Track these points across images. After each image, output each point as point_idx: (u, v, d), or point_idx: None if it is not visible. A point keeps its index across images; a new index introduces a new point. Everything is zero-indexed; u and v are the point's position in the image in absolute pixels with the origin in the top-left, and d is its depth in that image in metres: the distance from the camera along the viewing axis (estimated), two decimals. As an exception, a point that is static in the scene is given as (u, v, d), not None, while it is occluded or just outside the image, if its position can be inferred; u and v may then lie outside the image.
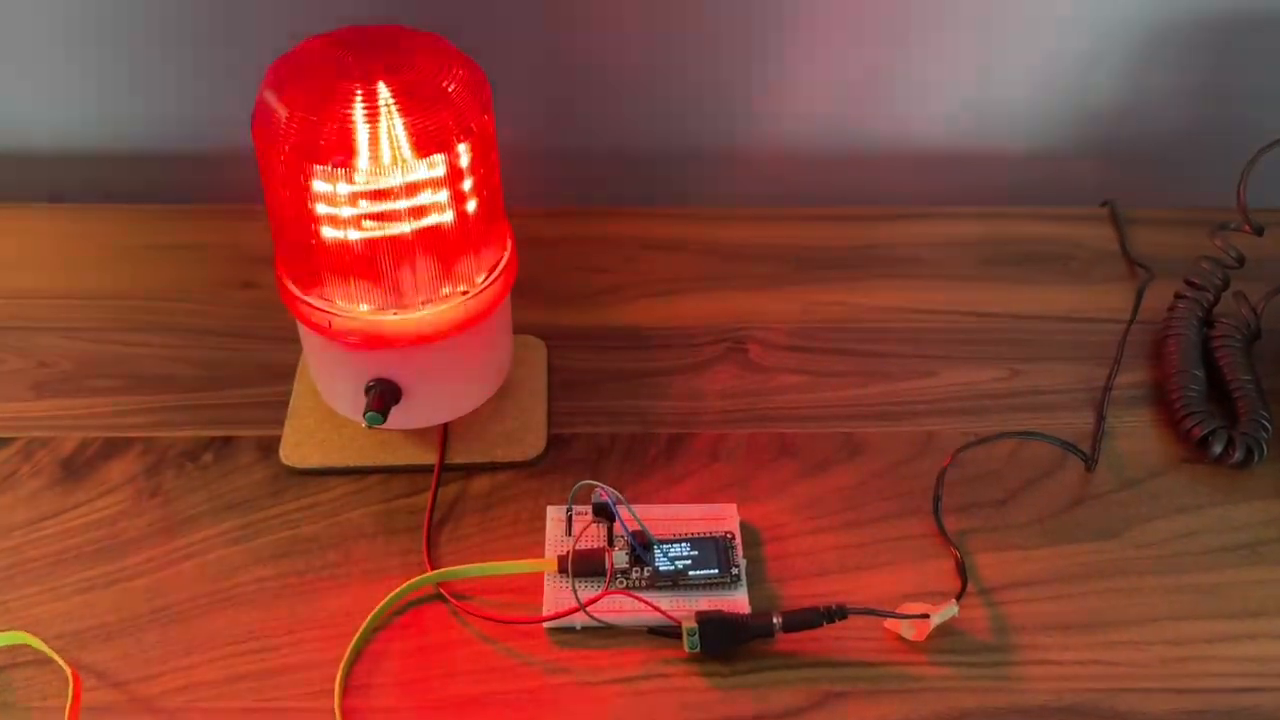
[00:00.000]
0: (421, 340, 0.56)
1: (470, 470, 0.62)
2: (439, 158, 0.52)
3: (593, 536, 0.58)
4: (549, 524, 0.59)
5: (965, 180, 0.84)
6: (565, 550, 0.57)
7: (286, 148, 0.51)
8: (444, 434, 0.63)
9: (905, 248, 0.77)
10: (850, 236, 0.78)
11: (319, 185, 0.52)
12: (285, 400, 0.65)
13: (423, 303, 0.56)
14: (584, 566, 0.56)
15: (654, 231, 0.78)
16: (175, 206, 0.79)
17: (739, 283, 0.74)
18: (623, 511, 0.57)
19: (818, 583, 0.58)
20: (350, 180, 0.51)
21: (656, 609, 0.54)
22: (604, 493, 0.57)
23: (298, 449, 0.62)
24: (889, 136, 0.83)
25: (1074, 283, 0.75)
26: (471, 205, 0.55)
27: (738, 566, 0.56)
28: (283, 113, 0.51)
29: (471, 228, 0.55)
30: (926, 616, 0.54)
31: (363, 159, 0.51)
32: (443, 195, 0.54)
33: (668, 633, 0.54)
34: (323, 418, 0.63)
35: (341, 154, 0.51)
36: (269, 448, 0.63)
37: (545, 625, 0.55)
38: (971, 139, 0.83)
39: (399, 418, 0.59)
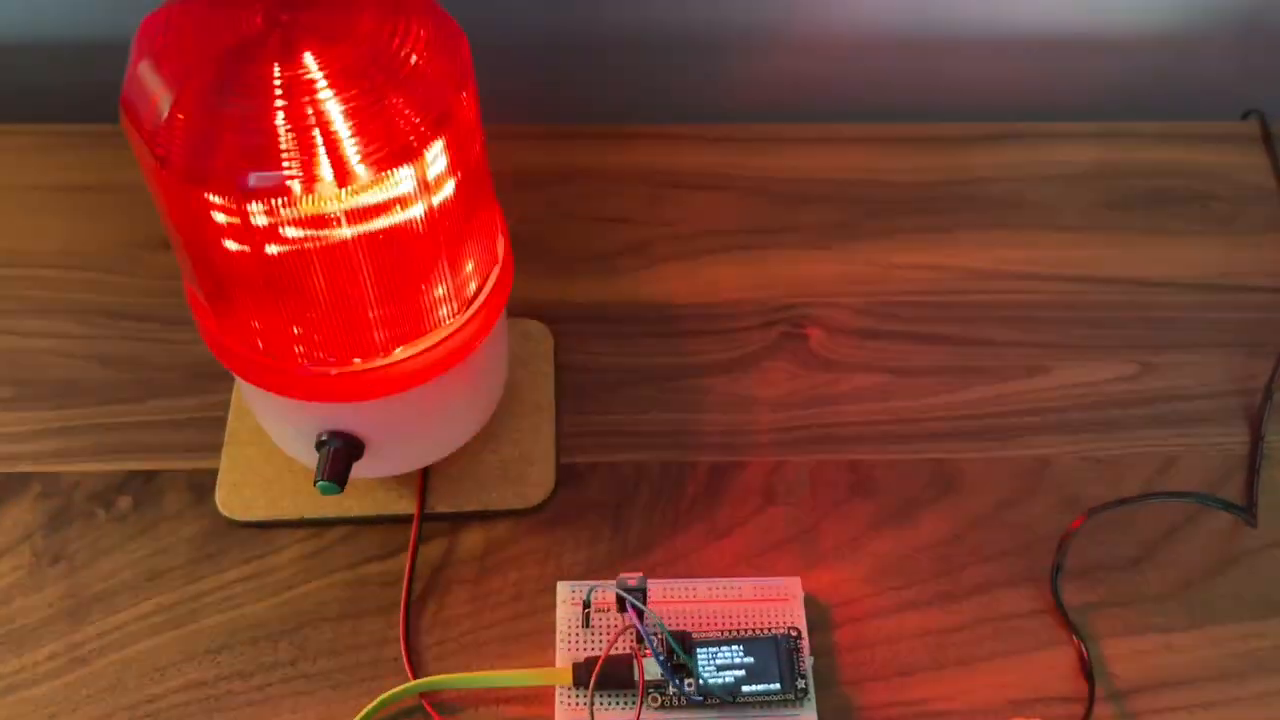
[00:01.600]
0: (387, 391, 0.42)
1: (458, 521, 0.49)
2: (404, 171, 0.36)
3: (616, 628, 0.45)
4: (560, 608, 0.46)
5: (1075, 82, 0.67)
6: (581, 655, 0.44)
7: (167, 167, 0.35)
8: (423, 478, 0.49)
9: (1003, 183, 0.61)
10: (933, 167, 0.62)
11: (220, 216, 0.36)
12: (223, 416, 0.51)
13: (385, 345, 0.41)
14: (607, 678, 0.43)
15: (684, 161, 0.62)
16: (66, 127, 0.62)
17: (794, 237, 0.59)
18: (653, 602, 0.44)
19: (904, 685, 0.45)
20: (271, 214, 0.36)
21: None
22: (630, 578, 0.44)
23: (238, 492, 0.49)
24: (979, 21, 0.65)
25: (1217, 232, 0.59)
26: (445, 199, 0.39)
27: (804, 677, 0.44)
28: (163, 110, 0.35)
29: (444, 233, 0.40)
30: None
31: (289, 180, 0.35)
32: (413, 212, 0.38)
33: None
34: (271, 448, 0.49)
35: (251, 179, 0.35)
36: (203, 487, 0.49)
37: (559, 753, 0.43)
38: (1083, 21, 0.65)
39: (365, 466, 0.45)
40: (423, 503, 0.48)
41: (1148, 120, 0.64)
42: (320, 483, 0.43)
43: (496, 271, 0.44)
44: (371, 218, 0.37)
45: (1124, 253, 0.58)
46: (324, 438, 0.43)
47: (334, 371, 0.41)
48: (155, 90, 0.35)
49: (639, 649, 0.43)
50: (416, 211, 0.38)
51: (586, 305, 0.56)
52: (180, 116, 0.35)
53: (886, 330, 0.55)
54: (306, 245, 0.37)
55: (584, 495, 0.50)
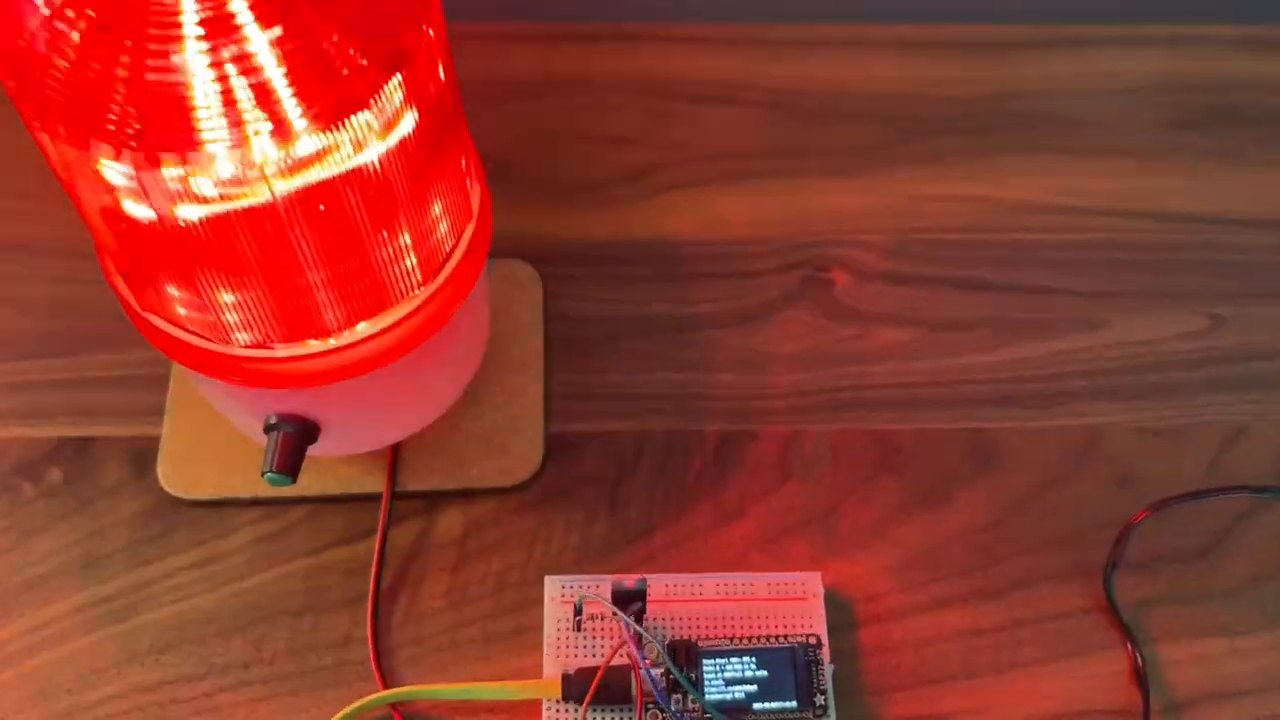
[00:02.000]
0: (344, 375, 0.36)
1: (433, 500, 0.43)
2: (360, 118, 0.29)
3: (613, 633, 0.40)
4: (548, 607, 0.40)
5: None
6: (573, 663, 0.39)
7: (52, 114, 0.28)
8: (393, 453, 0.43)
9: (1054, 98, 0.53)
10: (976, 79, 0.54)
11: (116, 177, 0.29)
12: (165, 374, 0.45)
13: (340, 323, 0.35)
14: (600, 691, 0.38)
15: (689, 67, 0.54)
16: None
17: (818, 162, 0.51)
18: (654, 602, 0.39)
19: (936, 696, 0.40)
20: (186, 181, 0.29)
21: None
22: (628, 580, 0.39)
23: (184, 465, 0.43)
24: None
25: (1299, 160, 0.52)
26: (402, 139, 0.32)
27: (824, 693, 0.39)
28: (40, 40, 0.28)
29: (402, 185, 0.33)
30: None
31: (210, 145, 0.28)
32: (363, 159, 0.31)
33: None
34: (219, 414, 0.43)
35: (163, 136, 0.28)
36: (145, 458, 0.43)
37: (546, 773, 0.38)
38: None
39: (323, 446, 0.39)
40: (393, 480, 0.43)
41: (1223, 23, 0.56)
42: (268, 474, 0.37)
43: (471, 228, 0.37)
44: (307, 171, 0.30)
45: (1194, 183, 0.51)
46: (272, 421, 0.37)
47: (281, 353, 0.35)
48: (31, 27, 0.28)
49: (637, 657, 0.38)
50: (367, 158, 0.31)
51: (578, 243, 0.49)
52: (63, 63, 0.27)
53: (920, 275, 0.49)
54: (229, 210, 0.30)
55: (577, 470, 0.44)
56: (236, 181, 0.29)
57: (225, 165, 0.29)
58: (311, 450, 0.38)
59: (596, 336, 0.47)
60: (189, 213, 0.30)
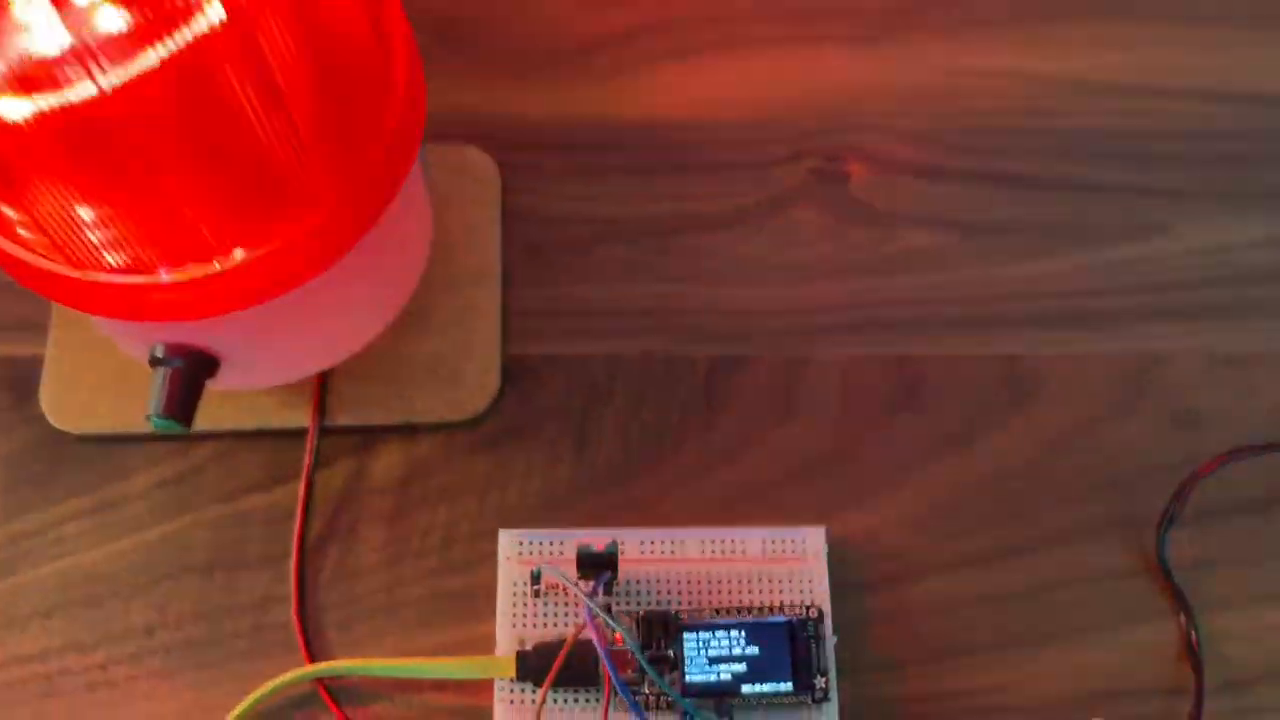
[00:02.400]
0: (238, 304, 0.28)
1: (369, 437, 0.37)
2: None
3: (580, 600, 0.33)
4: (503, 566, 0.34)
5: None
6: (530, 635, 0.33)
7: None
8: (321, 381, 0.36)
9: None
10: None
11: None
12: (51, 279, 0.38)
13: (225, 242, 0.27)
14: (564, 673, 0.32)
15: (687, -91, 0.45)
16: None
17: (833, 25, 0.43)
18: (628, 563, 0.32)
19: (957, 671, 0.34)
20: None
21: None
22: (596, 542, 0.33)
23: (71, 395, 0.36)
24: None
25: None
26: None
27: (824, 674, 0.33)
28: None
29: (277, 50, 0.25)
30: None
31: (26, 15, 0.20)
32: (215, 11, 0.23)
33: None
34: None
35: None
36: (26, 383, 0.37)
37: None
38: None
39: (228, 379, 0.32)
40: (320, 414, 0.36)
41: None
42: (155, 418, 0.30)
43: (398, 109, 0.29)
44: (148, 49, 0.23)
45: (1274, 51, 0.43)
46: (159, 354, 0.30)
47: (166, 278, 0.28)
48: None
49: (602, 643, 0.32)
50: (216, 15, 0.23)
51: (543, 126, 0.41)
52: None
53: (954, 168, 0.41)
54: (61, 103, 0.23)
55: (540, 401, 0.37)
56: (64, 62, 0.22)
57: (46, 39, 0.21)
58: (216, 385, 0.32)
59: (565, 241, 0.39)
60: (12, 109, 0.23)
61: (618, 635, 0.32)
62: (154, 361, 0.30)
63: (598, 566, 0.32)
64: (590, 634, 0.30)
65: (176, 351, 0.30)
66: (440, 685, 0.33)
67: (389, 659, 0.34)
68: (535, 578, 0.33)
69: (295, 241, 0.28)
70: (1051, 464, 0.37)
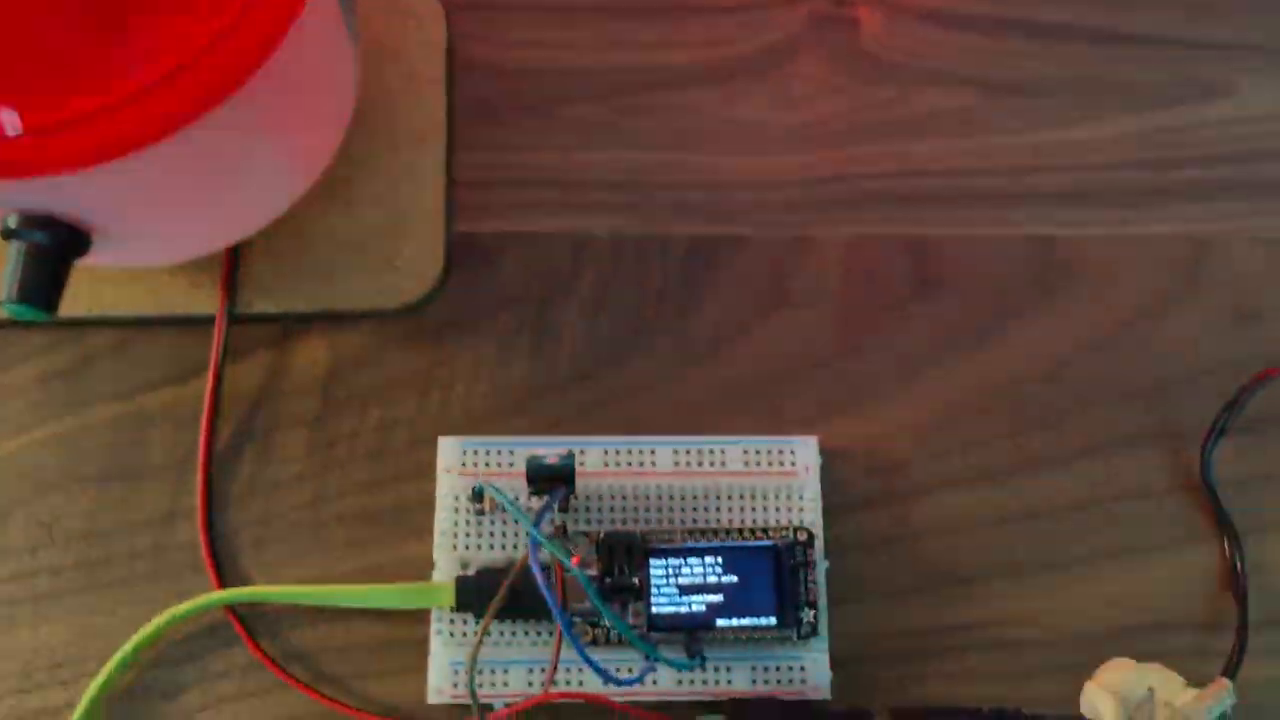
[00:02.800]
0: (107, 153, 0.23)
1: (289, 327, 0.31)
2: None
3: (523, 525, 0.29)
4: (443, 480, 0.29)
5: None
6: (473, 557, 0.29)
7: None
8: (230, 261, 0.31)
9: None
10: None
11: None
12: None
13: (89, 78, 0.21)
14: (511, 605, 0.28)
15: None
16: None
17: None
18: (589, 476, 0.27)
19: (967, 601, 0.30)
20: None
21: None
22: (549, 455, 0.28)
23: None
24: None
25: None
26: None
27: (813, 606, 0.28)
28: None
29: None
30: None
31: None
32: None
33: (673, 739, 0.28)
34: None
35: None
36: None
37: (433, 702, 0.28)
38: None
39: (107, 254, 0.27)
40: (230, 298, 0.31)
41: None
42: (8, 304, 0.25)
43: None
44: None
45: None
46: (11, 225, 0.25)
47: (11, 126, 0.22)
48: None
49: (542, 579, 0.27)
50: None
51: (501, -42, 0.35)
52: None
53: (980, 14, 0.35)
54: None
55: (490, 287, 0.32)
56: None
57: None
58: (97, 259, 0.26)
59: (522, 96, 0.33)
60: None
61: (575, 558, 0.27)
62: (7, 234, 0.25)
63: (551, 481, 0.27)
64: (531, 564, 0.25)
65: (34, 222, 0.25)
66: (369, 615, 0.29)
67: (310, 585, 0.29)
68: (476, 495, 0.28)
69: (170, 74, 0.22)
70: (1083, 364, 0.32)
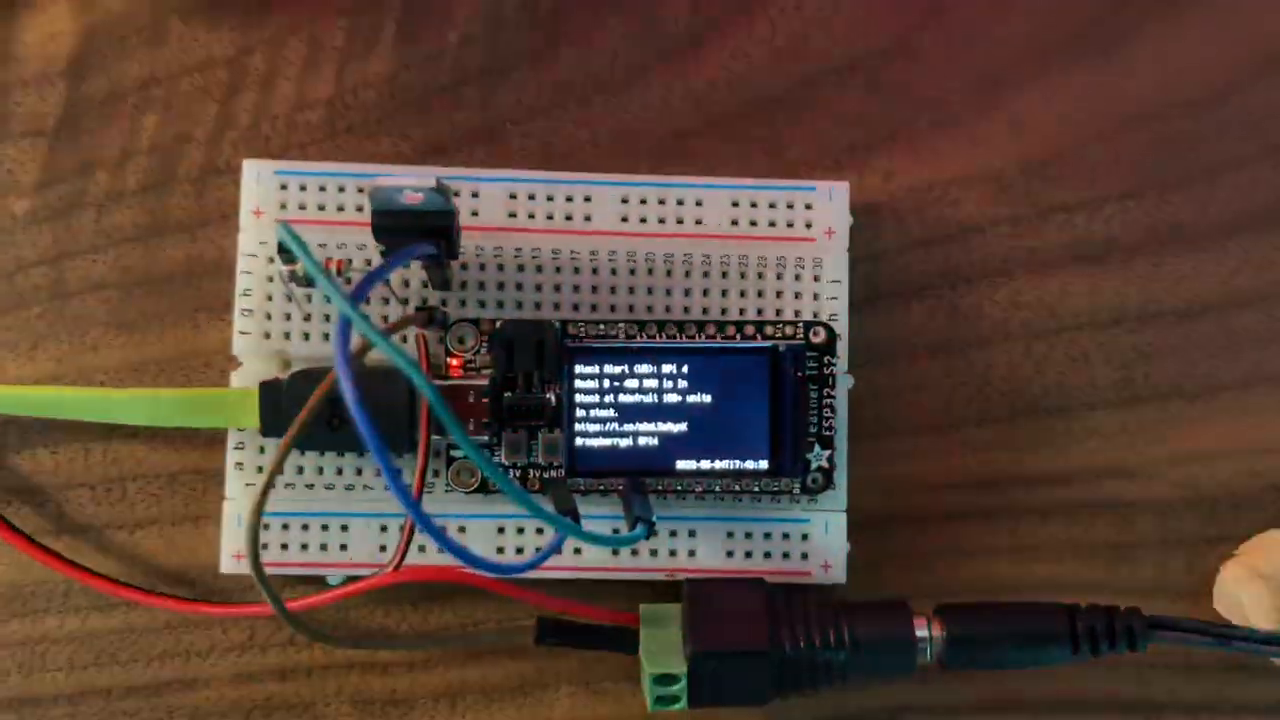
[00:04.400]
0: None
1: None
2: None
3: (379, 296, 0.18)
4: (249, 227, 0.19)
5: None
6: (298, 356, 0.18)
7: None
8: None
9: None
10: None
11: None
12: None
13: None
14: (342, 427, 0.17)
15: None
16: None
17: None
18: (478, 228, 0.17)
19: (1050, 443, 0.20)
20: None
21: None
22: (413, 192, 0.16)
23: None
24: None
25: None
26: None
27: (827, 442, 0.18)
28: None
29: None
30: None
31: None
32: None
33: (605, 637, 0.18)
34: None
35: None
36: None
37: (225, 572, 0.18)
38: None
39: None
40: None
41: None
42: None
43: None
44: None
45: None
46: None
47: None
48: None
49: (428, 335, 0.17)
50: None
51: None
52: None
53: None
54: None
55: (337, -75, 0.20)
56: None
57: None
58: None
59: None
60: None
61: (453, 363, 0.17)
62: None
63: (407, 232, 0.16)
64: (341, 378, 0.14)
65: None
66: (139, 435, 0.19)
67: (50, 386, 0.19)
68: (280, 249, 0.17)
69: None
70: (1241, 95, 0.21)
